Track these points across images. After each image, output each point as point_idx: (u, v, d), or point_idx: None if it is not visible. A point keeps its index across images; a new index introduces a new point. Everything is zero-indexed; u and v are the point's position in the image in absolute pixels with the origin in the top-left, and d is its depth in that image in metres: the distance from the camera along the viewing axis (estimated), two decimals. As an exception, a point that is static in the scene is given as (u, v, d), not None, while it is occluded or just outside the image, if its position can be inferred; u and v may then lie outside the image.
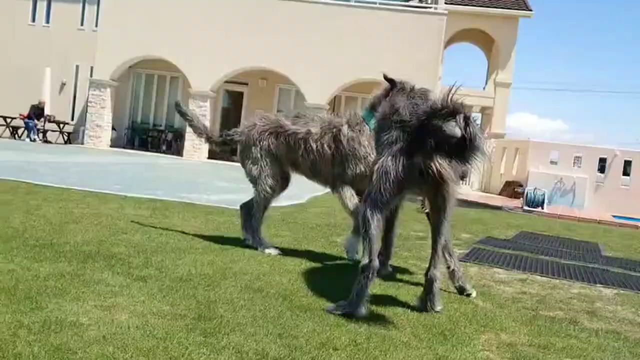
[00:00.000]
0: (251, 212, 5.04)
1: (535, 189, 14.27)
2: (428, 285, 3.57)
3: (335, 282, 3.99)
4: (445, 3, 20.47)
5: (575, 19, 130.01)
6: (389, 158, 3.25)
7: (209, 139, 5.41)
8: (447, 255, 4.04)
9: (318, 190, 11.89)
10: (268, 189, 4.94)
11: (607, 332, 3.57)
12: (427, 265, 3.68)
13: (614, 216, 13.97)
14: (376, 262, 3.33)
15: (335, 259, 4.95)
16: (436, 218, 3.60)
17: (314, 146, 4.72)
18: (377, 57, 18.59)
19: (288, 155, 4.87)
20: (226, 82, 20.53)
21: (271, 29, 18.76)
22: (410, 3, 20.72)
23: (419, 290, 4.10)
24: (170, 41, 18.96)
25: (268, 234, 5.63)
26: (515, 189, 19.08)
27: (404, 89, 4.43)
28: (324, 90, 19.05)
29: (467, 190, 19.89)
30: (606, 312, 4.15)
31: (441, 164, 3.14)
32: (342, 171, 4.66)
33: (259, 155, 4.91)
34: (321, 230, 6.40)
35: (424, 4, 20.88)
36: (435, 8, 19.67)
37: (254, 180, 5.01)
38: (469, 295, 4.08)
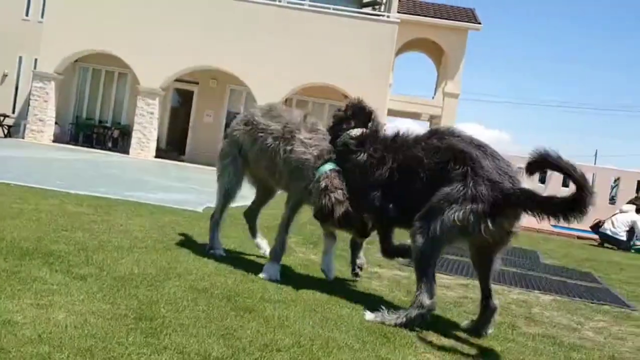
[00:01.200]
0: (256, 217, 5.02)
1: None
2: (490, 314, 3.56)
3: (281, 283, 3.98)
4: (398, 12, 20.77)
5: (525, 33, 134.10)
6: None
7: None
8: None
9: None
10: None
11: (544, 337, 3.68)
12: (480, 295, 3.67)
13: (553, 225, 14.42)
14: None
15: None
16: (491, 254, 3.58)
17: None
18: (330, 62, 18.72)
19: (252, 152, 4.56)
20: (176, 80, 20.26)
21: (224, 28, 18.63)
22: (364, 10, 20.91)
23: (365, 292, 4.15)
24: (120, 36, 18.56)
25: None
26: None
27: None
28: (275, 92, 18.99)
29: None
30: (543, 317, 4.28)
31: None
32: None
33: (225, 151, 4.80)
34: (269, 233, 6.33)
35: (376, 12, 21.11)
36: (388, 16, 19.93)
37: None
38: None
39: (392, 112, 22.69)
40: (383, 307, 3.47)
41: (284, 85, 18.91)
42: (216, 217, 4.86)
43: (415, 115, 25.60)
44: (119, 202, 6.96)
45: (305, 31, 18.72)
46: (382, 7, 21.72)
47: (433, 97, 24.13)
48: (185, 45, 18.52)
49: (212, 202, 8.24)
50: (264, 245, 4.89)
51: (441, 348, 3.11)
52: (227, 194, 4.79)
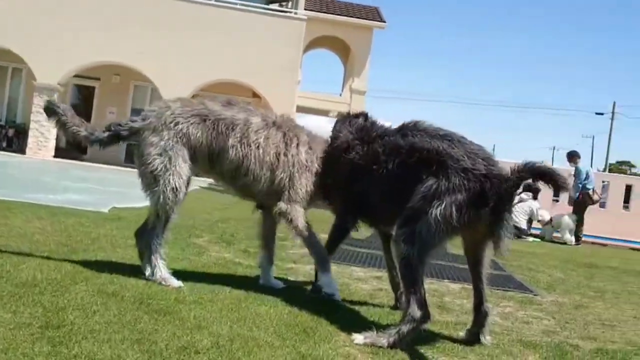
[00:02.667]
0: (150, 236, 3.90)
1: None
2: (482, 319, 3.42)
3: (194, 284, 3.86)
4: (305, 9, 20.86)
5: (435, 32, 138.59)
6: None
7: (91, 139, 4.03)
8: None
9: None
10: (172, 192, 3.80)
11: (456, 324, 3.80)
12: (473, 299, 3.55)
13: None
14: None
15: (194, 260, 4.80)
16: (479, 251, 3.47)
17: (253, 137, 3.88)
18: (238, 59, 18.52)
19: (211, 147, 3.88)
20: (76, 76, 19.30)
21: (127, 22, 17.97)
22: (271, 7, 20.84)
23: (284, 288, 4.11)
24: (13, 28, 17.46)
25: (121, 236, 5.36)
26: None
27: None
28: (182, 89, 18.52)
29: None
30: (454, 305, 4.42)
31: None
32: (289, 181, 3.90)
33: (169, 144, 3.80)
34: (179, 232, 6.18)
35: (283, 8, 21.10)
36: (295, 13, 19.97)
37: (152, 180, 3.81)
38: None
39: (301, 109, 22.74)
40: (373, 328, 3.18)
41: (191, 81, 18.50)
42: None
43: (324, 112, 25.80)
44: (17, 204, 6.54)
45: (212, 27, 18.40)
46: (289, 4, 21.73)
47: (341, 94, 24.46)
48: (86, 39, 17.70)
49: (118, 202, 7.96)
50: None
51: (360, 340, 3.13)
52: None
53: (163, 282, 3.75)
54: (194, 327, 2.94)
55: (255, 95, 20.10)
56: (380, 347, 3.04)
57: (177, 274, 4.12)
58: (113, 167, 17.60)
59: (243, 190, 4.07)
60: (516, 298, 4.99)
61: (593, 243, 13.16)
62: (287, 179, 3.90)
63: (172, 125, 3.82)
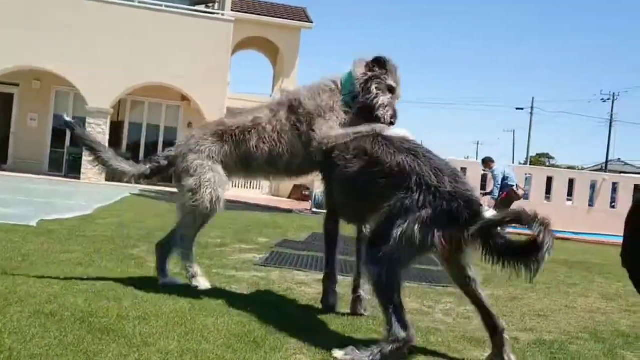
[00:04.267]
0: (170, 250, 4.26)
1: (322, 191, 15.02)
2: (500, 338, 3.17)
3: (137, 298, 3.75)
4: (232, 10, 20.68)
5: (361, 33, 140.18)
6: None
7: (136, 175, 4.32)
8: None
9: (105, 200, 11.22)
10: (209, 203, 4.04)
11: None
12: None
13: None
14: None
15: (133, 273, 4.65)
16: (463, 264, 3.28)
17: (269, 128, 4.04)
18: (165, 61, 18.15)
19: (238, 154, 4.12)
20: (-8, 82, 18.41)
21: (47, 25, 17.26)
22: (197, 8, 20.52)
23: (226, 297, 4.04)
24: None
25: (54, 250, 5.15)
26: (303, 192, 19.95)
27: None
28: (107, 93, 18.02)
29: (258, 194, 20.31)
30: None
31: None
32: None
33: (198, 164, 4.08)
34: (114, 243, 6.01)
35: (211, 10, 20.83)
36: (223, 14, 19.76)
37: (191, 196, 4.07)
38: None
39: (232, 111, 22.54)
40: (353, 346, 3.07)
41: (117, 86, 18.02)
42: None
43: (254, 114, 25.67)
44: None
45: (137, 29, 17.95)
46: (216, 5, 21.48)
47: (271, 95, 24.38)
48: (2, 43, 16.87)
49: (46, 215, 7.62)
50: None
51: (311, 347, 3.12)
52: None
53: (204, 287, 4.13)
54: (141, 345, 2.86)
55: (184, 98, 19.76)
56: None
57: (117, 287, 3.99)
58: (36, 177, 16.87)
59: (288, 170, 4.24)
60: (455, 294, 5.11)
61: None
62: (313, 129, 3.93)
63: (197, 148, 4.14)
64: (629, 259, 3.30)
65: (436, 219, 3.01)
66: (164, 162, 4.28)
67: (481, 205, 3.09)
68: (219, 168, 4.12)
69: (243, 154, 4.11)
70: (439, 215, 3.02)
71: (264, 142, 4.05)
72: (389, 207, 3.13)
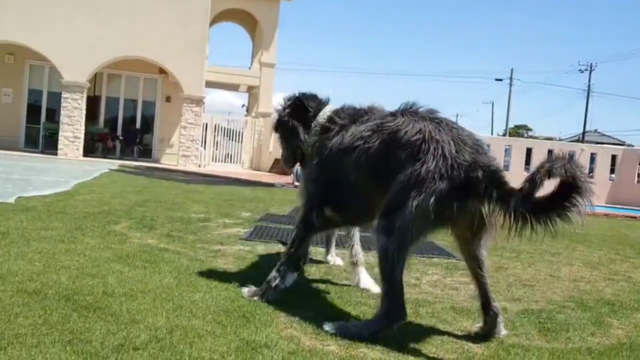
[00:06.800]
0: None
1: (303, 165, 14.94)
2: (493, 320, 3.15)
3: (122, 274, 3.69)
4: (209, -19, 20.25)
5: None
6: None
7: None
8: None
9: (84, 176, 11.04)
10: None
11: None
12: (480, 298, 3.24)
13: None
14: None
15: (116, 249, 4.57)
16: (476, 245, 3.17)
17: None
18: (143, 35, 17.81)
19: None
20: (-38, 56, 17.93)
21: (17, -3, 16.77)
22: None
23: (212, 271, 3.99)
24: None
25: (34, 228, 5.04)
26: (284, 166, 19.79)
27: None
28: (83, 67, 17.65)
29: (238, 168, 20.18)
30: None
31: None
32: None
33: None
34: (96, 219, 5.90)
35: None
36: (199, -15, 19.34)
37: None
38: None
39: (210, 84, 22.28)
40: (345, 320, 3.10)
41: (92, 59, 17.66)
42: None
43: (233, 87, 25.43)
44: None
45: (115, 1, 17.53)
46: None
47: (250, 68, 24.10)
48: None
49: (23, 192, 7.46)
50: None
51: (300, 322, 3.08)
52: None
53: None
54: (129, 322, 2.80)
55: (162, 71, 19.44)
56: (351, 338, 2.89)
57: (101, 263, 3.92)
58: (11, 153, 16.54)
59: None
60: (442, 264, 5.13)
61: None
62: None
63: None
64: None
65: (453, 191, 2.87)
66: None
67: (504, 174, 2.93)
68: None
69: None
70: (457, 186, 2.88)
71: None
72: (404, 176, 2.97)
